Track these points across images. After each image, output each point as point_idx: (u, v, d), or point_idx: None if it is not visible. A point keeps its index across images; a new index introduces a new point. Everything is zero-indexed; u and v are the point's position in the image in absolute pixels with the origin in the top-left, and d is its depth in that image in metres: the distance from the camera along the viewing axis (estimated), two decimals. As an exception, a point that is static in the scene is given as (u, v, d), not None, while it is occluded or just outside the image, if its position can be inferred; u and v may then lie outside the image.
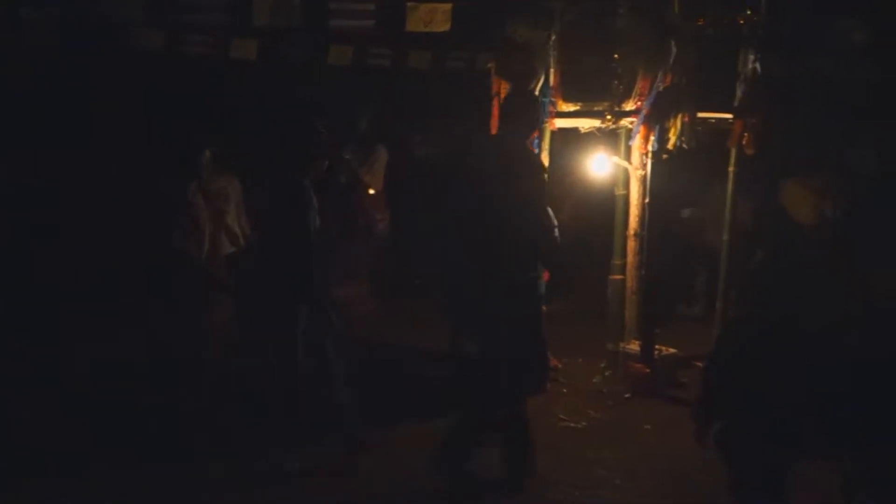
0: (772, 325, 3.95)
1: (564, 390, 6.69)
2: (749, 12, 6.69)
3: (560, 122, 7.20)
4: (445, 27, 7.22)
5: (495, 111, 7.41)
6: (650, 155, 7.03)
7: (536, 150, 7.17)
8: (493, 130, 7.37)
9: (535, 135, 7.11)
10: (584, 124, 7.20)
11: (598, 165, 7.31)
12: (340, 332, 5.42)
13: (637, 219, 7.22)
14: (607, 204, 7.65)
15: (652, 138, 6.87)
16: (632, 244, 7.29)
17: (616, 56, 6.85)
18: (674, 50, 6.66)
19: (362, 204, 8.46)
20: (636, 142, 7.01)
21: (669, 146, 6.82)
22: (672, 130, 6.78)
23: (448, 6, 7.08)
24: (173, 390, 5.91)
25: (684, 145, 6.86)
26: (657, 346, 7.26)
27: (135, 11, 7.49)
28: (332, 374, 5.36)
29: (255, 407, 5.60)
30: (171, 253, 5.31)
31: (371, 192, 8.47)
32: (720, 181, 7.23)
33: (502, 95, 7.38)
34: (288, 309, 5.22)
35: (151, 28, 8.01)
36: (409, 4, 7.18)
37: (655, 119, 6.78)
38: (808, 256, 4.43)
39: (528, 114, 5.39)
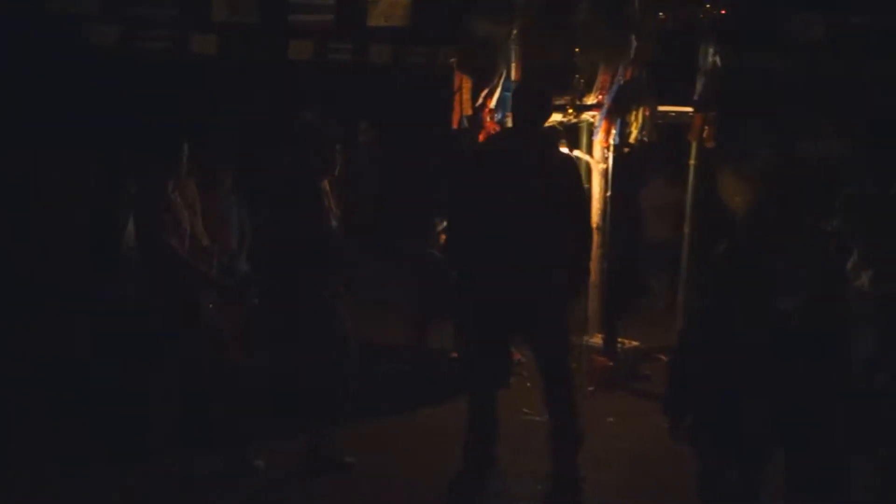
0: (735, 315, 3.93)
1: (528, 384, 6.64)
2: (709, 6, 6.71)
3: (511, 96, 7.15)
4: (406, 22, 7.16)
5: (456, 106, 7.39)
6: (612, 149, 7.01)
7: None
8: (454, 125, 7.37)
9: (497, 128, 7.12)
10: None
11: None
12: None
13: (599, 212, 7.20)
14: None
15: (613, 132, 6.85)
16: (594, 238, 7.27)
17: (577, 50, 6.87)
18: (634, 44, 6.67)
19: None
20: (598, 136, 6.98)
21: (631, 140, 6.81)
22: (633, 124, 6.78)
23: (408, 0, 7.02)
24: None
25: (646, 139, 6.87)
26: (620, 339, 7.28)
27: (90, 6, 7.36)
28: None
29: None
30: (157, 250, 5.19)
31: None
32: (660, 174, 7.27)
33: (464, 90, 7.37)
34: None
35: (106, 23, 7.90)
36: (369, -1, 7.14)
37: (617, 113, 6.76)
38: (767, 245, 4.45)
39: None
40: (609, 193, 7.15)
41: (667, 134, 7.19)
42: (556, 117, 7.00)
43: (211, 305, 5.19)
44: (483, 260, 4.86)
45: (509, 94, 6.99)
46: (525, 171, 4.82)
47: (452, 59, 7.60)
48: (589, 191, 7.27)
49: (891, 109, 7.84)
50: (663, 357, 7.46)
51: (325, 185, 5.27)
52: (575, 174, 5.20)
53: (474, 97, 7.19)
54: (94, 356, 6.12)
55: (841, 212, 4.61)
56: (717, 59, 6.76)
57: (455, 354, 7.29)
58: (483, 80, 7.14)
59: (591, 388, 6.84)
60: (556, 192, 4.82)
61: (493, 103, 7.08)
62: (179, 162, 5.30)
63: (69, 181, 7.51)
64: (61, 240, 7.23)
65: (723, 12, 6.59)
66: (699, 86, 6.86)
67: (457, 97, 7.44)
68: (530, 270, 4.76)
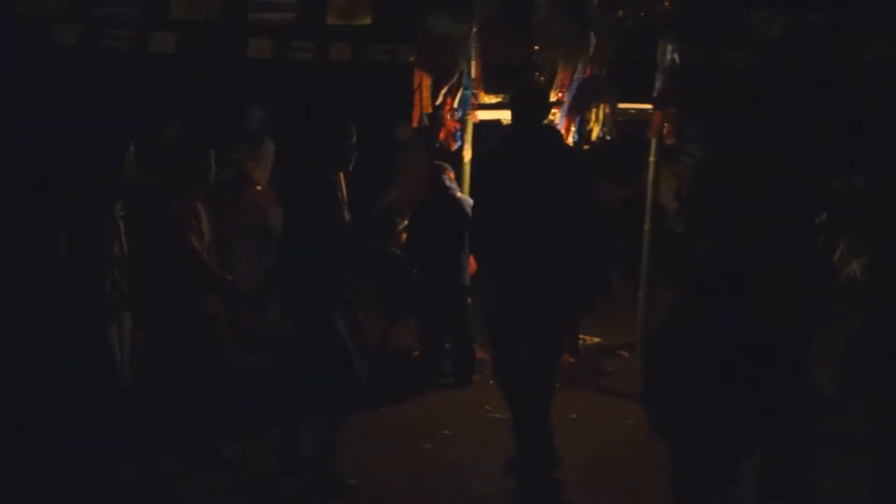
0: (712, 314, 3.91)
1: (490, 381, 6.60)
2: (667, 3, 6.72)
3: (482, 115, 7.18)
4: (366, 20, 7.09)
5: (417, 104, 7.35)
6: (574, 145, 6.98)
7: (458, 143, 7.14)
8: (415, 123, 7.33)
9: (456, 127, 7.09)
10: (507, 116, 7.12)
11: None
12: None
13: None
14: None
15: (573, 130, 6.83)
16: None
17: (536, 48, 6.85)
18: (593, 41, 6.66)
19: (253, 201, 8.15)
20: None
21: (592, 137, 6.81)
22: (594, 122, 6.78)
23: (368, -1, 6.97)
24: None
25: (607, 136, 6.87)
26: (581, 336, 7.27)
27: (53, 6, 7.24)
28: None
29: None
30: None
31: (259, 188, 8.13)
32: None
33: (424, 88, 7.32)
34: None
35: (68, 23, 7.78)
36: (328, -5, 7.06)
37: (577, 110, 6.76)
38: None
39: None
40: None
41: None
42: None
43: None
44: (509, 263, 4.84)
45: (469, 92, 7.00)
46: (538, 176, 4.77)
47: (412, 58, 7.56)
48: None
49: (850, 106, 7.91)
50: (625, 353, 7.51)
51: (339, 177, 5.26)
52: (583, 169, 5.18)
53: (434, 95, 7.15)
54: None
55: (828, 206, 4.65)
56: (676, 56, 6.75)
57: (417, 353, 7.25)
58: (443, 79, 7.11)
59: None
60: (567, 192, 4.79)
61: (455, 102, 7.08)
62: (208, 170, 5.31)
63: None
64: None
65: (675, 10, 6.59)
66: (658, 83, 6.84)
67: (417, 95, 7.40)
68: (549, 273, 4.75)
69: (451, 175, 6.93)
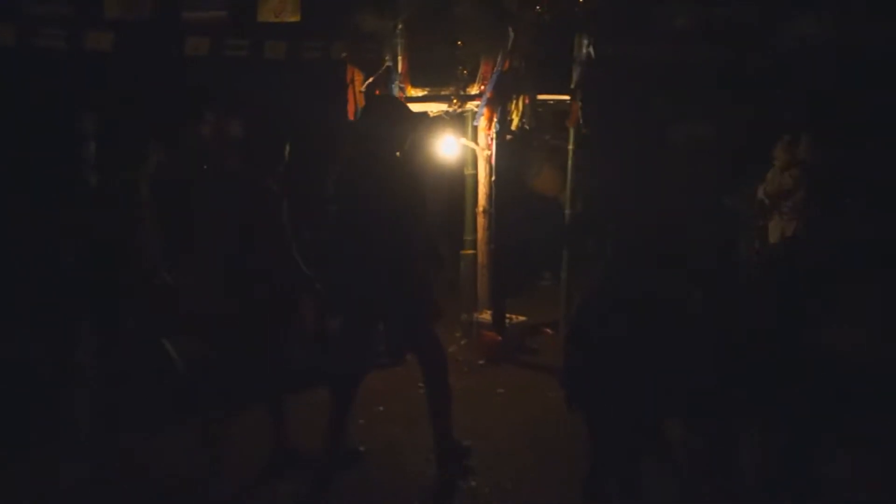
0: (626, 297, 4.00)
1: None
2: (582, 0, 6.80)
3: (410, 107, 7.18)
4: (296, 17, 7.09)
5: (350, 98, 7.39)
6: (494, 136, 7.09)
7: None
8: (350, 116, 7.36)
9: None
10: (433, 108, 7.24)
11: (448, 147, 7.33)
12: None
13: (485, 196, 7.29)
14: (458, 184, 7.70)
15: (495, 120, 6.93)
16: (481, 220, 7.36)
17: (459, 43, 6.91)
18: (512, 36, 6.72)
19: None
20: (481, 124, 7.06)
21: (512, 127, 6.90)
22: (514, 112, 6.87)
23: (297, -5, 6.97)
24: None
25: (526, 126, 6.96)
26: (508, 315, 7.38)
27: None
28: None
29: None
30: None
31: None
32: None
33: (357, 83, 7.37)
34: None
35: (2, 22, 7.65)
36: (260, -7, 7.06)
37: (498, 102, 6.85)
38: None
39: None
40: (493, 178, 7.24)
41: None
42: (442, 107, 7.08)
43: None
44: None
45: (396, 87, 7.06)
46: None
47: (344, 54, 7.59)
48: (474, 176, 7.40)
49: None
50: (548, 331, 7.62)
51: None
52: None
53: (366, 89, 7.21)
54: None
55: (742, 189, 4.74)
56: (591, 49, 6.85)
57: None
58: (373, 73, 7.16)
59: (481, 362, 6.95)
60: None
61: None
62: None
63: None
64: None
65: (590, 5, 6.70)
66: (575, 75, 6.94)
67: (350, 89, 7.44)
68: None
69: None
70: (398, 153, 4.82)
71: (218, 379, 5.15)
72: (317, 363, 5.36)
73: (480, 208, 7.32)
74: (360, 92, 7.28)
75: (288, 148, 5.04)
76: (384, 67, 7.06)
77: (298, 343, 5.29)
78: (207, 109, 7.85)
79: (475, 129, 7.21)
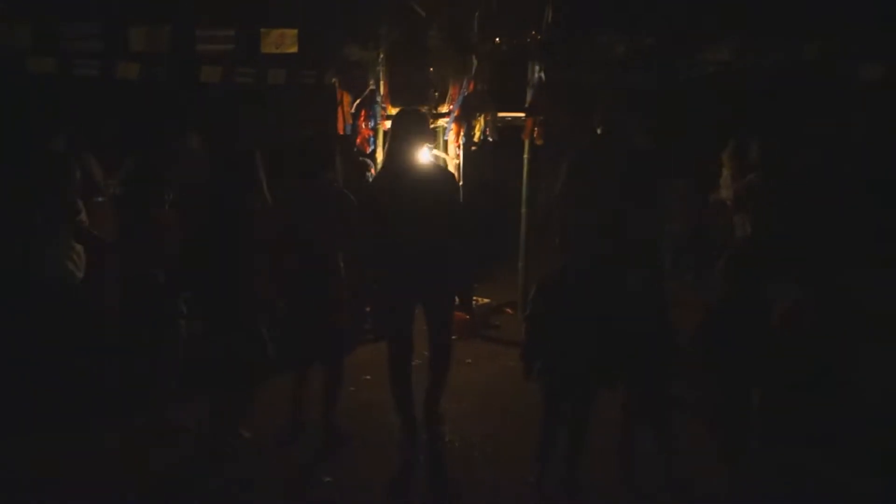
0: (572, 284, 4.02)
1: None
2: (534, 33, 6.80)
3: (389, 124, 7.14)
4: (294, 49, 7.03)
5: (340, 116, 7.36)
6: (461, 147, 7.07)
7: (372, 147, 7.16)
8: (340, 131, 7.33)
9: (370, 134, 7.11)
10: (410, 124, 7.18)
11: (423, 157, 7.27)
12: None
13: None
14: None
15: (462, 133, 6.92)
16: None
17: (431, 69, 6.90)
18: (475, 63, 6.72)
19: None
20: (450, 137, 7.04)
21: (476, 139, 6.89)
22: (477, 127, 6.85)
23: (294, 31, 6.90)
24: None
25: (489, 138, 6.95)
26: (475, 298, 7.35)
27: (24, 40, 7.01)
28: None
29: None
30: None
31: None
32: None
33: (345, 104, 7.33)
34: None
35: (43, 55, 7.59)
36: (262, 30, 6.98)
37: (464, 118, 6.82)
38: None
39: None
40: (461, 183, 7.19)
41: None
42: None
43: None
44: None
45: (379, 106, 7.03)
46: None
47: (335, 79, 7.56)
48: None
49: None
50: (509, 311, 7.62)
51: None
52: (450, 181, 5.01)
53: (352, 109, 7.19)
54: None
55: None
56: (542, 74, 6.87)
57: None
58: (358, 96, 7.14)
59: (453, 337, 6.90)
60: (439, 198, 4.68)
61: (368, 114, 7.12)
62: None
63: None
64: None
65: (540, 37, 6.69)
66: (529, 95, 6.96)
67: (340, 109, 7.42)
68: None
69: (372, 170, 6.95)
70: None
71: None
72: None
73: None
74: (349, 111, 7.25)
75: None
76: (369, 90, 7.05)
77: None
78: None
79: (446, 141, 7.17)
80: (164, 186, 4.87)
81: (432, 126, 7.05)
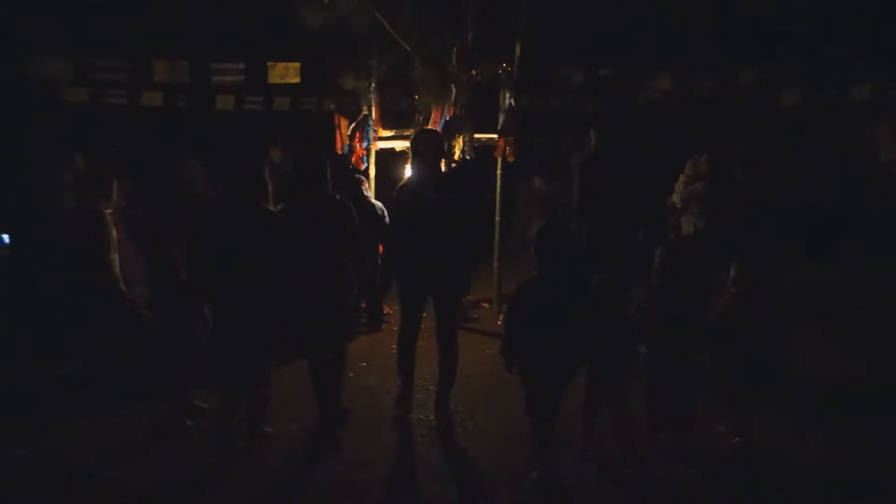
0: (549, 285, 3.94)
1: (394, 328, 6.59)
2: (505, 65, 6.78)
3: (381, 144, 7.17)
4: (297, 79, 7.01)
5: (338, 138, 7.31)
6: (444, 164, 7.02)
7: (365, 164, 7.12)
8: (338, 150, 7.27)
9: (364, 153, 7.06)
10: (398, 145, 7.18)
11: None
12: None
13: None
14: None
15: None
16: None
17: (416, 97, 6.87)
18: (454, 91, 6.69)
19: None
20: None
21: (456, 157, 6.86)
22: (457, 146, 6.83)
23: (297, 64, 6.87)
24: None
25: (467, 156, 6.93)
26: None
27: (61, 73, 6.93)
28: None
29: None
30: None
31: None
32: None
33: (342, 127, 7.27)
34: None
35: (77, 85, 7.50)
36: (268, 63, 6.93)
37: (445, 139, 6.77)
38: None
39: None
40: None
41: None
42: (404, 144, 7.01)
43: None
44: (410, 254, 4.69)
45: (370, 129, 6.99)
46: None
47: (332, 106, 7.51)
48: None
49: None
50: (485, 305, 7.57)
51: None
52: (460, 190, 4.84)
53: (349, 132, 7.14)
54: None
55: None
56: (512, 100, 6.84)
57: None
58: (353, 120, 7.09)
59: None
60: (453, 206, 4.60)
61: (362, 135, 7.09)
62: None
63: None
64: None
65: (510, 69, 6.67)
66: (501, 119, 6.93)
67: (337, 132, 7.36)
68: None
69: (367, 185, 6.91)
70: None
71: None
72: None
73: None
74: (346, 133, 7.19)
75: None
76: (362, 115, 7.00)
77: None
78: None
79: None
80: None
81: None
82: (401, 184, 5.04)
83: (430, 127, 6.84)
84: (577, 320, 3.90)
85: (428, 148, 4.74)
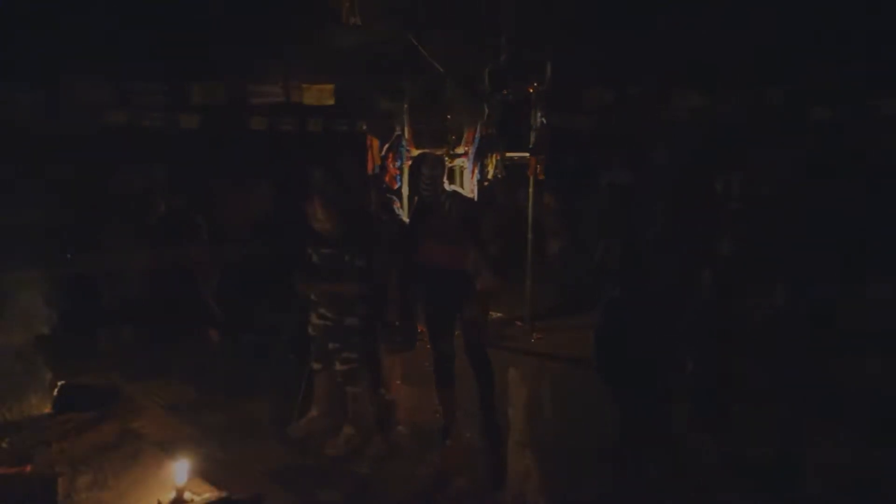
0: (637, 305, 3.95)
1: (427, 346, 6.59)
2: (537, 84, 6.80)
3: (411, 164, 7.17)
4: (331, 101, 7.08)
5: (370, 158, 7.35)
6: (477, 182, 7.04)
7: (398, 183, 7.15)
8: (370, 170, 7.31)
9: (397, 172, 7.09)
10: (431, 163, 7.17)
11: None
12: None
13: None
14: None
15: (476, 170, 6.90)
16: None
17: (448, 117, 6.90)
18: (486, 111, 6.71)
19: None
20: (468, 174, 7.02)
21: (489, 176, 6.87)
22: (490, 165, 6.83)
23: (331, 86, 6.95)
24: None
25: (499, 175, 6.93)
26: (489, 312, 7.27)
27: (104, 95, 7.07)
28: None
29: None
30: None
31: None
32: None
33: (374, 147, 7.32)
34: None
35: (117, 109, 7.61)
36: (303, 86, 7.02)
37: (478, 158, 6.81)
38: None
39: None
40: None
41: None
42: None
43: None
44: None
45: (404, 148, 7.02)
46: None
47: (364, 127, 7.57)
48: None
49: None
50: (519, 323, 7.51)
51: None
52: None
53: (381, 152, 7.19)
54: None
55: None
56: (544, 119, 6.85)
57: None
58: (386, 140, 7.14)
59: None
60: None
61: (395, 155, 7.13)
62: None
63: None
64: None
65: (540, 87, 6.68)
66: (533, 138, 6.92)
67: (370, 152, 7.41)
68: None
69: (398, 204, 6.91)
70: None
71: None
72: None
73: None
74: (378, 154, 7.24)
75: None
76: (395, 136, 7.04)
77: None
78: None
79: (461, 177, 7.14)
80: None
81: (450, 165, 7.05)
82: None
83: (463, 146, 6.88)
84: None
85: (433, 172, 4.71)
